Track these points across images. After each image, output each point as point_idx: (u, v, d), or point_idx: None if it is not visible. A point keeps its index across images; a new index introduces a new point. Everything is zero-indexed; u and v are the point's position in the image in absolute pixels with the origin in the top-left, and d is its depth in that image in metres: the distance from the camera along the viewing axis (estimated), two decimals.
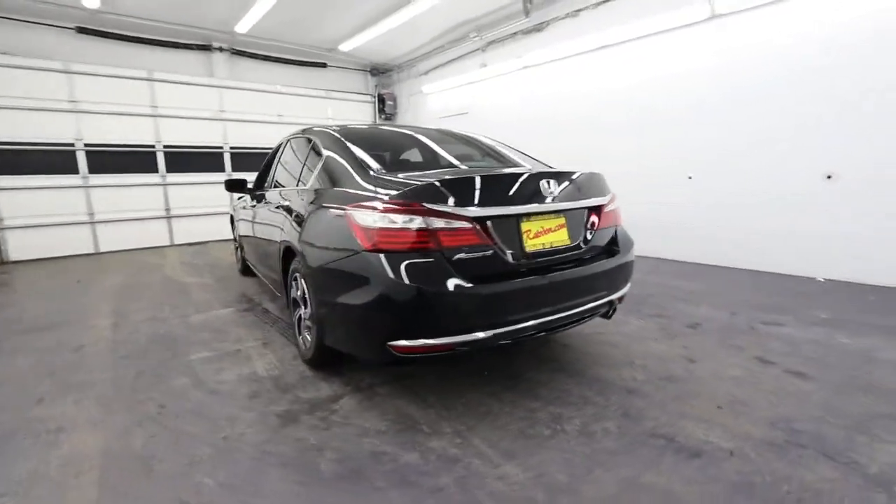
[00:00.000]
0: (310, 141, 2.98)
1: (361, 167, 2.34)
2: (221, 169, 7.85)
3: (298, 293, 2.68)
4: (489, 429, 2.04)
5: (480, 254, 1.97)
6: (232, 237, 5.60)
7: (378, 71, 9.74)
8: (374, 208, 1.94)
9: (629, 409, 2.17)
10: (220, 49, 7.60)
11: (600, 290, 2.34)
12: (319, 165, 2.67)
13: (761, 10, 4.52)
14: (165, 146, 7.24)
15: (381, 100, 9.65)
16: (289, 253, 2.79)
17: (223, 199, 7.93)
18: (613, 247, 2.51)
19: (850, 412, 2.11)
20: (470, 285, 1.88)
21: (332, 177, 2.49)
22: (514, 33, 7.04)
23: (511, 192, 2.07)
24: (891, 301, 3.68)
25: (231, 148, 7.88)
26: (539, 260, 2.14)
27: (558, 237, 2.23)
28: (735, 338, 3.04)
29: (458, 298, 1.87)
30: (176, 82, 7.17)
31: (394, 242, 1.88)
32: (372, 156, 2.46)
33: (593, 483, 1.68)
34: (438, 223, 1.90)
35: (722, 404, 2.21)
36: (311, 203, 2.51)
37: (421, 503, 1.58)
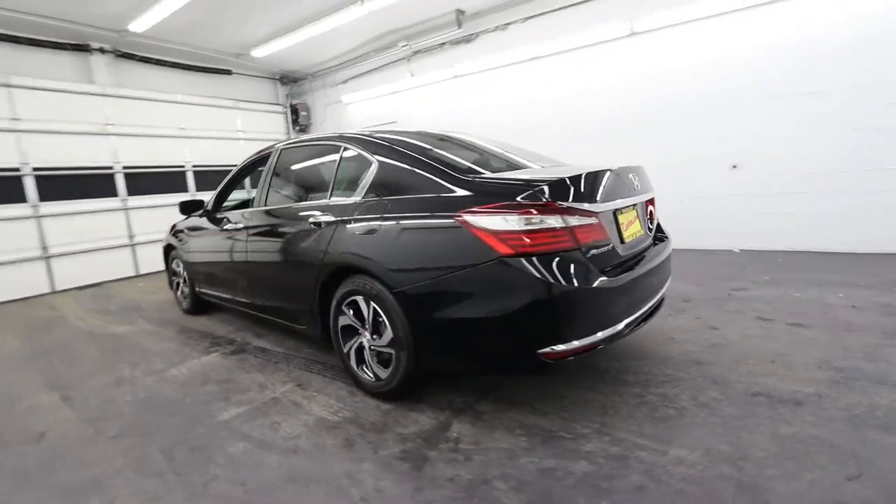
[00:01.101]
0: (340, 148, 2.64)
1: (440, 171, 2.15)
2: (113, 193, 6.45)
3: (349, 320, 2.38)
4: (621, 420, 2.04)
5: (603, 248, 1.98)
6: (167, 271, 4.64)
7: (289, 80, 8.99)
8: (511, 211, 1.81)
9: (713, 377, 2.37)
10: (101, 50, 6.25)
11: (668, 277, 2.52)
12: (370, 174, 2.38)
13: (673, 28, 5.31)
14: (35, 169, 5.69)
15: (294, 110, 8.92)
16: (333, 276, 2.44)
17: (122, 230, 6.54)
18: (661, 234, 2.72)
19: (855, 346, 2.60)
20: (609, 279, 1.88)
21: (398, 185, 2.25)
22: (443, 43, 7.14)
23: (612, 187, 2.11)
24: (792, 261, 4.61)
25: (125, 168, 6.52)
26: (632, 251, 2.22)
27: (637, 229, 2.34)
28: (725, 304, 3.51)
29: (603, 293, 1.85)
30: (43, 89, 5.69)
31: (540, 244, 1.78)
32: (438, 159, 2.27)
33: (754, 447, 1.79)
34: (573, 220, 1.85)
35: (772, 359, 2.54)
36: (370, 216, 2.24)
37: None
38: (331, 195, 2.62)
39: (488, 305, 1.84)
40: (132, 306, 4.99)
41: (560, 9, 6.03)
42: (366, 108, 8.48)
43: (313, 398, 2.47)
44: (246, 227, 3.15)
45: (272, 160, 3.17)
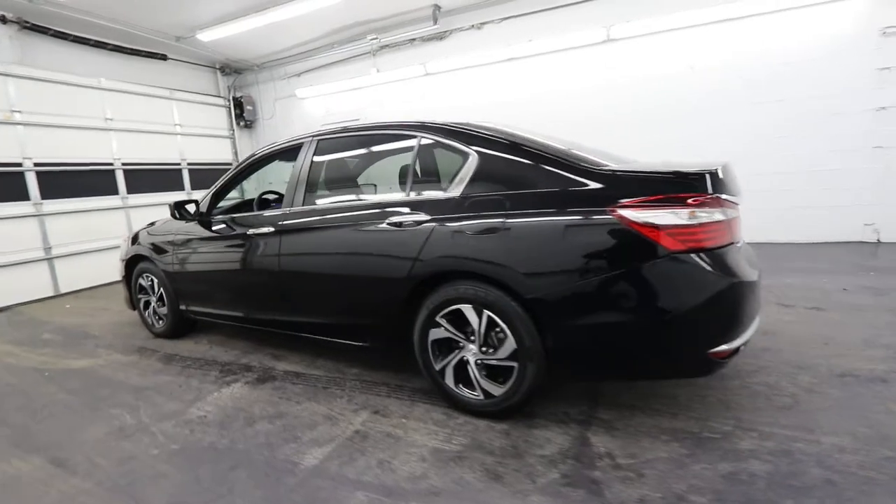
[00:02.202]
0: (416, 138, 2.30)
1: (561, 162, 1.95)
2: (24, 196, 5.17)
3: (446, 333, 2.10)
4: (751, 413, 2.02)
5: (739, 243, 1.93)
6: (129, 288, 3.78)
7: (231, 70, 7.99)
8: (678, 204, 1.67)
9: (792, 363, 2.46)
10: (3, 19, 4.96)
11: None
12: (469, 167, 2.10)
13: (648, 37, 5.62)
14: None
15: (239, 104, 7.96)
16: (423, 284, 2.12)
17: (37, 241, 5.27)
18: None
19: (880, 324, 2.89)
20: (757, 273, 1.84)
21: (510, 179, 2.00)
22: (413, 39, 6.84)
23: (735, 182, 2.07)
24: (759, 252, 5.12)
25: (37, 165, 5.26)
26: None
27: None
28: None
29: (756, 288, 1.79)
30: None
31: (709, 238, 1.67)
32: (552, 149, 2.06)
33: (888, 426, 1.86)
34: (730, 212, 1.77)
35: (824, 341, 2.72)
36: (484, 214, 1.97)
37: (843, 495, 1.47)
38: (409, 191, 2.28)
39: (655, 306, 1.69)
40: (76, 333, 4.01)
41: (537, 11, 6.09)
42: (324, 103, 7.85)
43: (405, 426, 2.12)
44: (279, 233, 2.63)
45: (306, 153, 2.69)
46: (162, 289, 3.47)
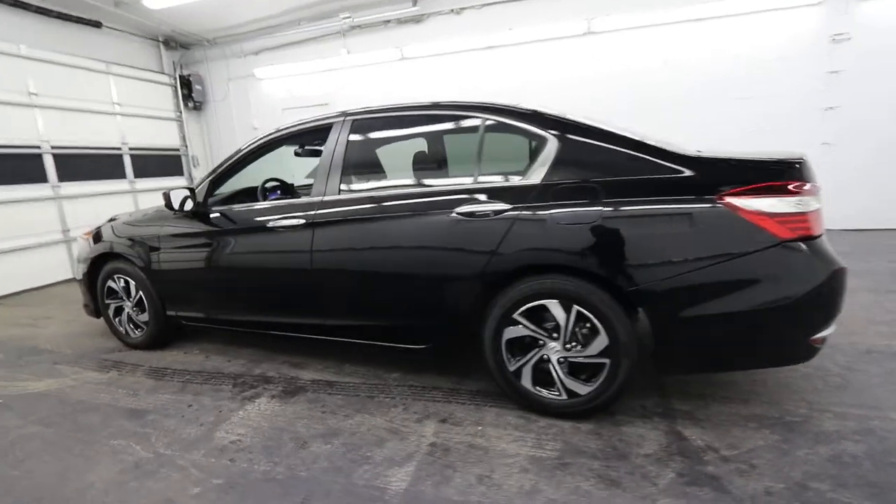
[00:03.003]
0: (480, 120, 2.08)
1: (651, 148, 1.85)
2: None
3: (525, 331, 1.94)
4: (818, 395, 2.07)
5: None
6: (93, 293, 3.17)
7: (177, 44, 7.04)
8: (786, 192, 1.63)
9: (866, 350, 2.50)
10: None
11: None
12: (549, 152, 1.93)
13: (627, 31, 5.73)
14: None
15: (186, 83, 7.06)
16: (501, 279, 1.94)
17: None
18: None
19: (876, 303, 3.14)
20: None
21: (597, 165, 1.87)
22: (388, 21, 6.45)
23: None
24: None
25: None
26: None
27: None
28: None
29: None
30: None
31: (813, 226, 1.65)
32: (635, 135, 1.96)
33: None
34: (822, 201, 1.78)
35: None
36: (574, 203, 1.83)
37: None
38: (476, 178, 2.06)
39: (767, 294, 1.65)
40: (22, 348, 3.31)
41: (515, 1, 5.99)
42: (286, 85, 7.21)
43: (485, 434, 1.93)
44: (311, 225, 2.29)
45: (338, 134, 2.36)
46: (141, 292, 2.94)
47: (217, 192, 2.80)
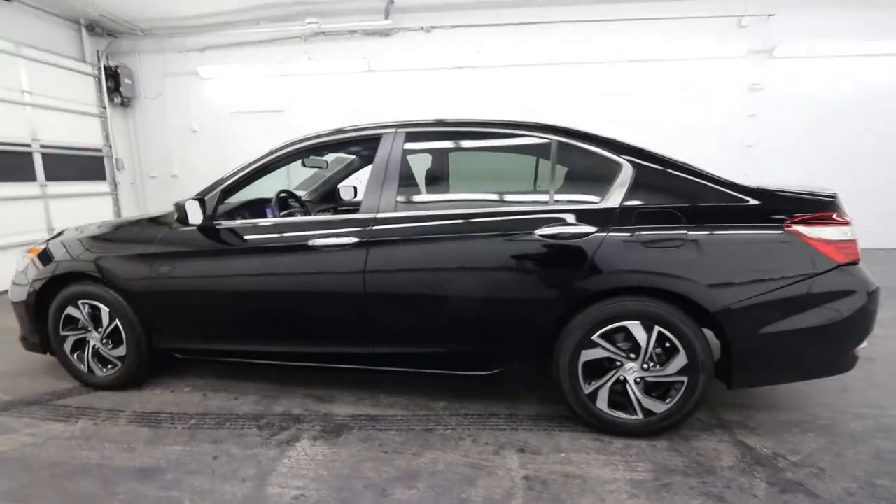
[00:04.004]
0: (549, 141, 2.07)
1: (717, 179, 1.99)
2: None
3: (604, 353, 1.95)
4: (881, 396, 2.35)
5: None
6: (40, 325, 2.53)
7: (102, 30, 6.02)
8: (839, 222, 1.84)
9: None
10: None
11: None
12: (625, 177, 1.98)
13: (585, 65, 6.16)
14: None
15: (114, 75, 6.07)
16: (582, 302, 1.92)
17: None
18: None
19: None
20: None
21: (671, 191, 1.96)
22: (354, 31, 6.22)
23: None
24: None
25: None
26: None
27: None
28: None
29: None
30: None
31: (857, 251, 1.88)
32: (692, 165, 2.08)
33: None
34: None
35: None
36: (657, 227, 1.90)
37: None
38: (552, 199, 2.03)
39: (827, 312, 1.84)
40: None
41: (485, 26, 6.16)
42: (234, 88, 6.57)
43: (572, 461, 1.87)
44: (366, 244, 2.06)
45: (391, 146, 2.17)
46: (118, 321, 2.41)
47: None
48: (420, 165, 2.28)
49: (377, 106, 6.43)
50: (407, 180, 2.18)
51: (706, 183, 1.98)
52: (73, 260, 2.45)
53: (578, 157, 2.09)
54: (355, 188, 3.85)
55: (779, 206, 1.92)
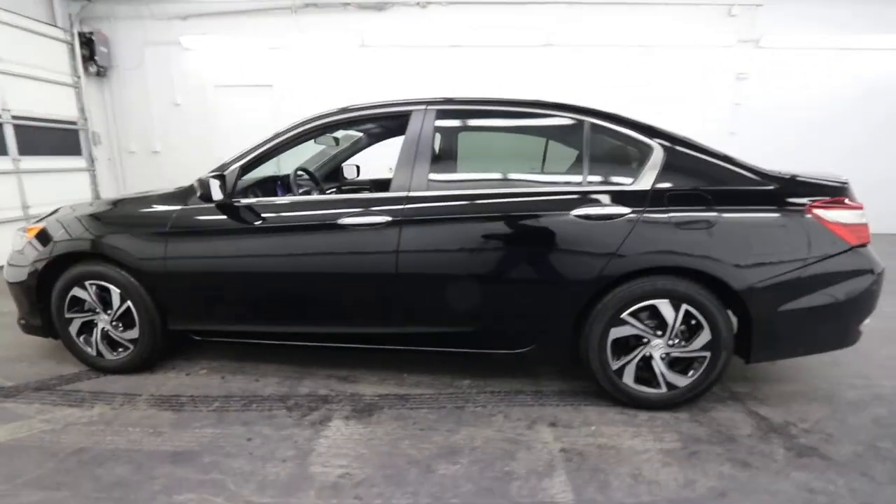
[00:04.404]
0: (581, 123, 2.07)
1: (741, 164, 2.04)
2: None
3: (633, 330, 2.00)
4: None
5: None
6: (41, 306, 2.39)
7: None
8: (854, 206, 1.93)
9: None
10: None
11: None
12: (655, 160, 2.00)
13: (586, 48, 6.13)
14: None
15: (88, 41, 5.63)
16: (615, 281, 1.96)
17: None
18: None
19: None
20: None
21: (700, 174, 2.01)
22: (347, 3, 5.96)
23: None
24: None
25: None
26: None
27: None
28: None
29: None
30: None
31: (868, 235, 1.98)
32: (718, 150, 2.12)
33: None
34: None
35: None
36: (688, 209, 1.95)
37: None
38: (585, 180, 2.04)
39: (840, 290, 1.94)
40: None
41: (482, 3, 6.03)
42: (220, 60, 6.23)
43: (603, 434, 1.93)
44: (399, 223, 2.01)
45: (422, 124, 2.11)
46: (129, 302, 2.30)
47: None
48: (451, 143, 2.23)
49: (371, 83, 6.26)
50: (438, 158, 2.14)
51: (731, 167, 2.03)
52: (78, 239, 2.30)
53: (611, 138, 2.10)
54: (358, 167, 3.80)
55: (798, 191, 1.99)
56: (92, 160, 5.92)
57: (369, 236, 2.07)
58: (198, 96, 6.34)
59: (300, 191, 2.82)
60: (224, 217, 2.20)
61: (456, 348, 2.18)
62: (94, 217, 2.40)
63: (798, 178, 2.05)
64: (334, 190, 3.27)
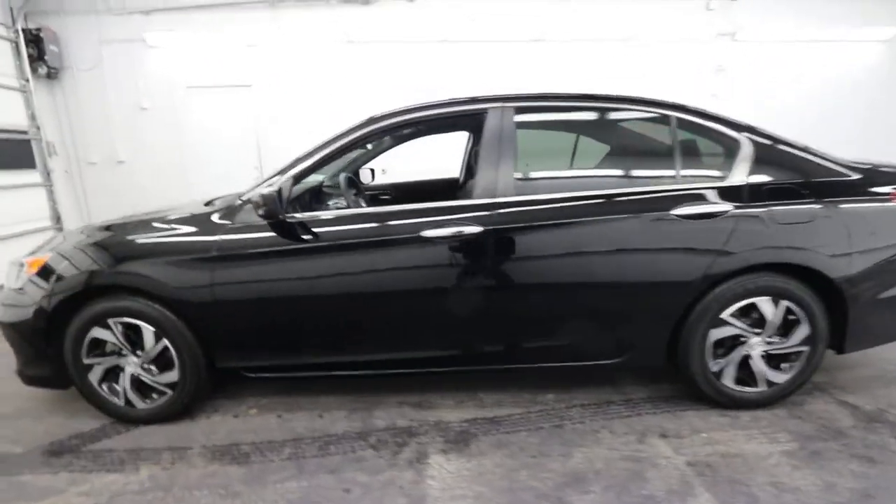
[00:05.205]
0: (668, 118, 1.97)
1: (824, 156, 2.01)
2: None
3: (734, 330, 1.94)
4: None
5: None
6: (51, 350, 1.98)
7: None
8: None
9: None
10: None
11: None
12: (745, 153, 1.93)
13: (578, 42, 6.10)
14: None
15: (36, 39, 4.89)
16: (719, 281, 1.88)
17: None
18: None
19: None
20: None
21: (788, 166, 1.96)
22: None
23: None
24: None
25: None
26: None
27: None
28: None
29: None
30: None
31: None
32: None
33: None
34: None
35: None
36: (788, 202, 1.88)
37: None
38: (678, 177, 1.93)
39: None
40: None
41: None
42: (191, 59, 5.63)
43: (718, 440, 1.85)
44: (490, 233, 1.81)
45: (499, 123, 1.92)
46: (167, 340, 1.95)
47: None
48: (532, 142, 2.06)
49: (358, 81, 5.92)
50: (522, 159, 1.95)
51: (816, 159, 1.99)
52: (96, 271, 1.92)
53: (698, 133, 2.01)
54: (373, 171, 3.53)
55: (880, 180, 1.99)
56: (48, 174, 5.19)
57: (457, 248, 1.85)
58: (167, 99, 5.72)
59: (333, 202, 2.56)
60: (275, 235, 1.91)
61: (552, 362, 2.01)
62: (115, 242, 2.02)
63: (879, 168, 2.05)
64: (355, 196, 3.00)
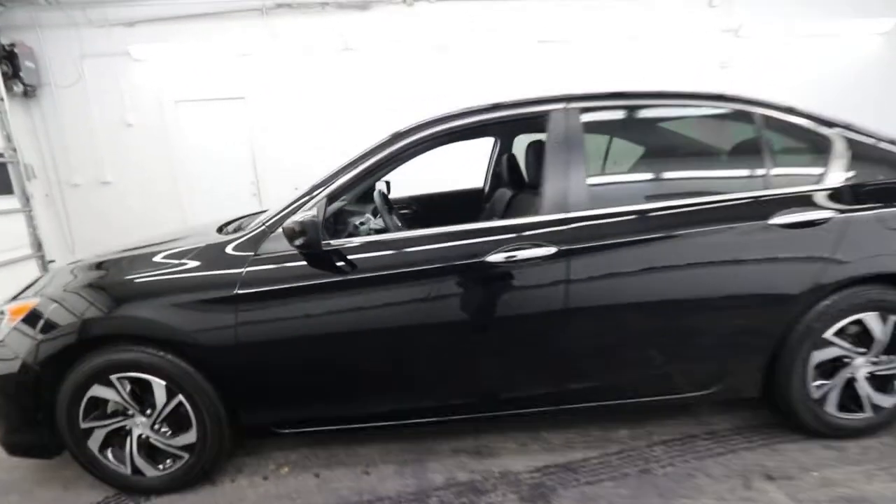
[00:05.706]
0: (750, 115, 1.75)
1: None
2: None
3: (841, 351, 1.70)
4: None
5: None
6: (26, 408, 1.64)
7: None
8: None
9: None
10: None
11: None
12: (839, 151, 1.71)
13: (576, 43, 5.93)
14: None
15: (10, 56, 4.50)
16: (827, 296, 1.64)
17: None
18: None
19: None
20: None
21: (881, 163, 1.74)
22: (326, 3, 5.31)
23: None
24: None
25: None
26: None
27: None
28: None
29: None
30: None
31: None
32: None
33: None
34: None
35: None
36: (878, 203, 1.66)
37: None
38: (768, 180, 1.69)
39: None
40: None
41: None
42: (180, 72, 5.29)
43: (831, 480, 1.59)
44: (565, 253, 1.54)
45: (565, 128, 1.66)
46: (182, 396, 1.63)
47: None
48: (601, 147, 1.81)
49: (357, 90, 5.65)
50: (593, 167, 1.70)
51: None
52: (99, 318, 1.60)
53: (786, 131, 1.78)
54: (388, 183, 3.26)
55: None
56: (27, 199, 4.78)
57: (529, 273, 1.58)
58: (155, 114, 5.36)
59: (358, 221, 2.28)
60: (307, 266, 1.61)
61: (634, 399, 1.75)
62: (112, 283, 1.70)
63: None
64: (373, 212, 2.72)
